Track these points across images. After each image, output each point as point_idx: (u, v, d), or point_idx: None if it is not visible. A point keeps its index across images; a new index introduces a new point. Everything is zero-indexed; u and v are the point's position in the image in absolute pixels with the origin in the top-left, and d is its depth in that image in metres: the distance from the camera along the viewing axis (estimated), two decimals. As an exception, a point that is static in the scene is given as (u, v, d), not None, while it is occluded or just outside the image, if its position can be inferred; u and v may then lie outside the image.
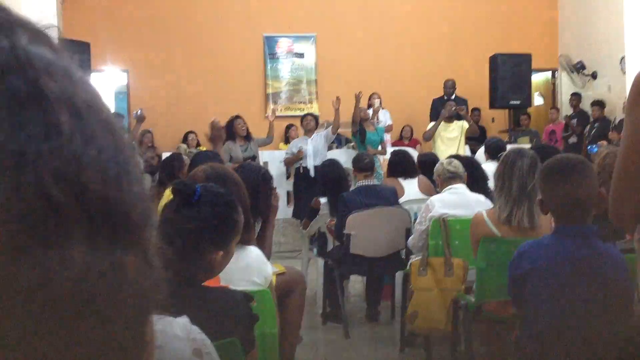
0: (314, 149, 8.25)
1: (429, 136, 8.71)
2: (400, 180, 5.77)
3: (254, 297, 2.02)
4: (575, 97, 11.39)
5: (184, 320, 1.25)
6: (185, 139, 11.12)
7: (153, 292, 0.37)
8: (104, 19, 11.05)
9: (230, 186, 2.46)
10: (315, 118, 8.68)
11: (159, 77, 11.31)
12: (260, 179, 3.50)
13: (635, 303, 1.84)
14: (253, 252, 2.44)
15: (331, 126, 8.45)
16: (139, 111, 7.35)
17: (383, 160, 7.92)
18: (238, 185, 2.51)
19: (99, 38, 10.47)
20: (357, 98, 8.34)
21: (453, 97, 10.43)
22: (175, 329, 1.20)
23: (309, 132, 8.47)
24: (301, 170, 8.33)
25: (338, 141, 9.70)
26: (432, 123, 8.89)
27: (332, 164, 5.67)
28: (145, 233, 0.37)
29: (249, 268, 2.38)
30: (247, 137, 7.99)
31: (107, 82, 12.01)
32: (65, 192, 0.32)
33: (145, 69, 11.33)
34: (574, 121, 10.96)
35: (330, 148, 9.01)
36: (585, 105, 11.04)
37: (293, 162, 8.45)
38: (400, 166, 5.86)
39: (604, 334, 2.31)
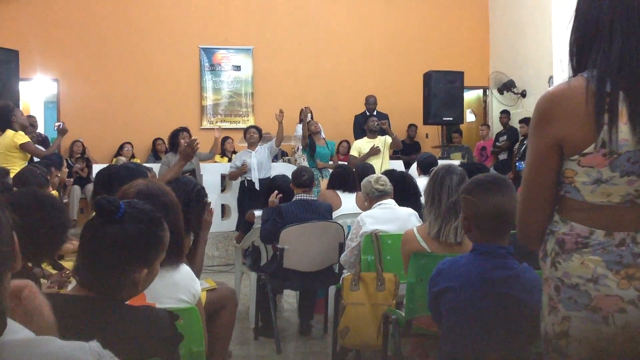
0: (259, 162, 8.20)
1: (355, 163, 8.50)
2: (339, 192, 5.84)
3: (179, 315, 1.98)
4: (505, 115, 11.71)
5: (94, 344, 1.21)
6: (120, 150, 10.92)
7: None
8: (33, 26, 10.76)
9: (163, 203, 2.41)
10: (259, 130, 8.60)
11: (90, 87, 11.09)
12: (193, 194, 3.45)
13: (541, 319, 1.89)
14: (181, 269, 2.39)
15: (274, 139, 8.42)
16: (61, 124, 7.23)
17: None
18: (171, 203, 2.45)
19: (28, 46, 10.20)
20: (305, 113, 8.37)
21: (375, 113, 10.54)
22: (83, 354, 1.16)
23: (252, 145, 8.39)
24: (246, 184, 8.26)
25: (275, 156, 9.69)
26: (359, 141, 8.81)
27: (282, 179, 5.63)
28: None
29: (177, 285, 2.34)
30: None
31: (37, 91, 11.71)
32: None
33: (76, 79, 11.07)
34: (504, 138, 11.27)
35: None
36: (515, 123, 11.35)
37: (237, 176, 8.38)
38: (342, 180, 5.94)
39: (513, 357, 2.37)
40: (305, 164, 8.59)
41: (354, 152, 8.58)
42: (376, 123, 8.53)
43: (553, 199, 1.81)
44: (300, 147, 9.12)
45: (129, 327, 1.79)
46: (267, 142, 8.60)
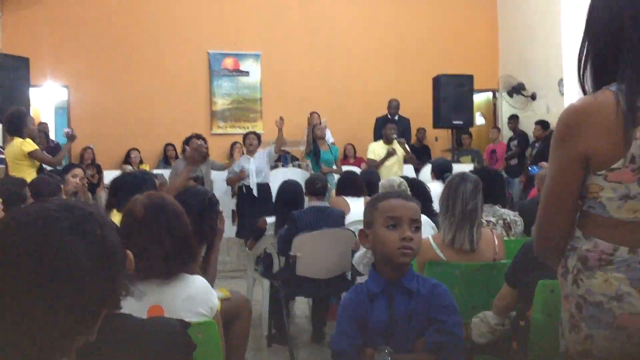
0: (257, 168, 8.21)
1: (376, 167, 8.45)
2: (347, 198, 5.84)
3: (190, 323, 1.98)
4: (513, 120, 11.68)
5: None
6: (127, 157, 10.94)
7: None
8: (44, 33, 10.79)
9: (169, 216, 2.41)
10: (258, 137, 8.62)
11: (100, 93, 11.11)
12: (206, 203, 3.45)
13: (560, 337, 1.85)
14: (197, 282, 2.39)
15: (274, 145, 8.43)
16: (70, 130, 7.22)
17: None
18: (177, 214, 2.45)
19: (38, 53, 10.22)
20: (311, 119, 8.39)
21: (396, 117, 10.57)
22: None
23: (251, 152, 8.42)
24: (244, 190, 8.27)
25: (284, 159, 9.70)
26: (375, 144, 8.84)
27: (293, 184, 5.62)
28: None
29: (194, 299, 2.33)
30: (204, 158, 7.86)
31: (47, 97, 11.74)
32: None
33: (86, 85, 11.09)
34: (515, 142, 11.23)
35: (275, 166, 9.01)
36: (526, 125, 11.30)
37: (236, 182, 8.40)
38: (349, 185, 5.96)
39: None
40: (310, 169, 8.62)
41: (372, 156, 8.59)
42: (393, 135, 8.58)
43: (574, 215, 1.78)
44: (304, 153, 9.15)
45: (141, 338, 1.78)
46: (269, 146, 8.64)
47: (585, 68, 1.81)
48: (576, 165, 1.71)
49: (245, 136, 8.67)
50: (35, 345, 1.04)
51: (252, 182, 8.16)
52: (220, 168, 9.00)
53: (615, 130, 1.64)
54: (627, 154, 1.64)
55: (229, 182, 8.57)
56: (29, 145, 6.57)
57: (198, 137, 8.18)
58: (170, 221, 2.38)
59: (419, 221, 2.28)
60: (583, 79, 1.82)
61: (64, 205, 1.12)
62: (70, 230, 1.07)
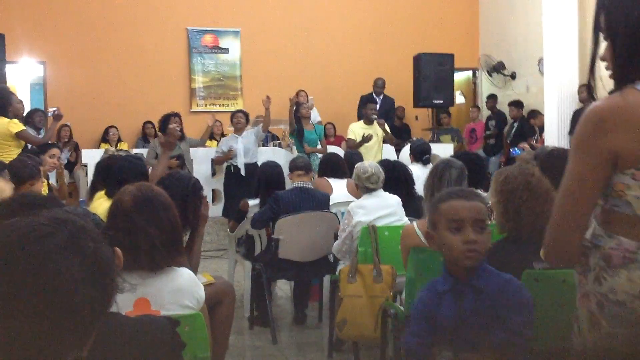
0: (245, 148, 8.14)
1: (352, 148, 8.29)
2: (330, 180, 5.84)
3: (180, 321, 1.96)
4: (492, 99, 11.73)
5: None
6: (106, 134, 10.82)
7: None
8: (19, 9, 10.58)
9: (157, 208, 2.39)
10: (246, 115, 8.51)
11: (77, 70, 10.93)
12: (190, 190, 3.42)
13: (575, 335, 1.85)
14: (184, 274, 2.37)
15: (261, 124, 8.36)
16: (56, 110, 7.06)
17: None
18: (166, 206, 2.43)
19: (14, 29, 10.03)
20: (292, 102, 8.31)
21: (381, 96, 10.54)
22: None
23: (238, 130, 8.33)
24: (232, 170, 8.21)
25: (265, 139, 9.62)
26: (355, 124, 8.79)
27: (273, 166, 5.59)
28: None
29: (181, 291, 2.31)
30: (181, 137, 7.73)
31: (23, 74, 11.55)
32: None
33: (63, 61, 10.91)
34: (492, 123, 11.30)
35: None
36: (505, 105, 11.35)
37: (223, 161, 8.33)
38: (331, 167, 5.98)
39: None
40: (293, 149, 8.58)
41: (352, 136, 8.54)
42: (373, 115, 8.53)
43: (591, 215, 1.76)
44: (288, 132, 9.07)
45: (128, 338, 1.76)
46: (257, 125, 8.55)
47: (594, 65, 1.79)
48: (605, 164, 1.69)
49: (232, 115, 8.56)
50: None
51: (240, 161, 8.10)
52: (198, 144, 8.90)
53: None
54: None
55: (216, 161, 8.49)
56: (16, 125, 6.42)
57: (174, 115, 8.06)
58: (158, 214, 2.36)
59: (483, 220, 2.24)
60: (592, 75, 1.80)
61: (56, 219, 1.09)
62: (64, 247, 1.05)
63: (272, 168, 5.54)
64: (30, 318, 0.99)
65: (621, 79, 1.73)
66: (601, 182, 1.72)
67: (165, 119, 7.98)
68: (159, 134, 7.61)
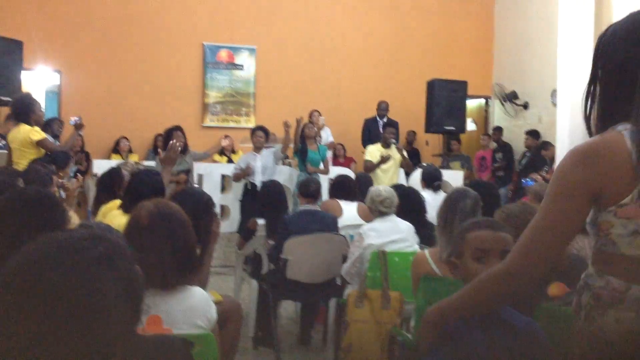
0: (263, 166, 8.14)
1: (369, 170, 8.42)
2: (341, 202, 5.84)
3: (194, 343, 1.95)
4: (497, 132, 11.76)
5: None
6: (117, 145, 10.86)
7: None
8: (38, 17, 10.68)
9: (174, 226, 2.39)
10: (266, 133, 8.46)
11: (92, 80, 11.01)
12: (202, 206, 3.42)
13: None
14: (197, 293, 2.37)
15: (281, 146, 8.32)
16: (78, 119, 7.01)
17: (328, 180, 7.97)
18: (183, 224, 2.43)
19: (32, 37, 10.10)
20: (298, 122, 8.32)
21: (385, 119, 10.55)
22: None
23: (257, 149, 8.30)
24: (249, 187, 8.21)
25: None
26: (373, 146, 8.80)
27: (273, 185, 5.60)
28: None
29: (193, 310, 2.31)
30: (183, 151, 7.67)
31: (39, 81, 11.62)
32: None
33: (79, 71, 10.99)
34: (500, 155, 11.31)
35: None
36: (517, 134, 11.34)
37: (240, 178, 8.32)
38: (343, 188, 5.97)
39: None
40: (296, 167, 8.60)
41: (369, 157, 8.57)
42: (393, 141, 8.59)
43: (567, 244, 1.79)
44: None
45: (143, 357, 1.75)
46: (273, 142, 8.56)
47: (591, 108, 1.81)
48: (585, 203, 1.72)
49: (252, 132, 8.49)
50: None
51: (258, 179, 8.09)
52: (202, 157, 8.86)
53: (623, 167, 1.66)
54: (634, 190, 1.65)
55: (234, 177, 8.48)
56: (38, 133, 6.42)
57: (176, 129, 7.97)
58: (174, 232, 2.36)
59: (510, 252, 2.23)
60: (589, 118, 1.82)
61: (93, 234, 1.10)
62: (99, 262, 1.05)
63: (274, 187, 5.56)
64: (63, 328, 1.00)
65: (604, 122, 1.75)
66: (581, 221, 1.75)
67: (168, 133, 7.85)
68: (159, 150, 7.55)
